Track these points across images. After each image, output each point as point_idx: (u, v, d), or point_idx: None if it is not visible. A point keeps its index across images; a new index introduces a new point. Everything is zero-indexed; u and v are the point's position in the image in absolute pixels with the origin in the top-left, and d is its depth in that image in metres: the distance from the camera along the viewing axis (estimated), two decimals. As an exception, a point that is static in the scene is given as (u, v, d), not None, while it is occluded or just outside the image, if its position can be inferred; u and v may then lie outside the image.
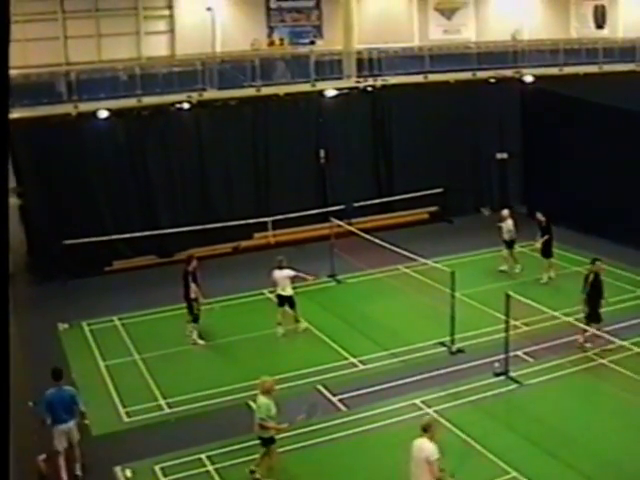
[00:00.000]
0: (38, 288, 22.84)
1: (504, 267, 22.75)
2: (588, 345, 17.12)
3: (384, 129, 28.47)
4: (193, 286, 18.43)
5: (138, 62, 28.15)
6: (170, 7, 30.28)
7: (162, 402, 15.82)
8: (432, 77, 28.76)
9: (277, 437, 12.91)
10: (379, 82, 27.94)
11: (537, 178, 28.27)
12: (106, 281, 23.24)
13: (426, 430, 10.56)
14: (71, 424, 13.08)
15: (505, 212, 22.90)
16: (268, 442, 12.68)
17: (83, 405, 13.49)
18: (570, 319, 17.18)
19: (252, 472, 12.84)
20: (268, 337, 18.91)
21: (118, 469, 13.34)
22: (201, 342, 18.54)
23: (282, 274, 18.72)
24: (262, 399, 12.39)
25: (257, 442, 13.16)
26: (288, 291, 18.77)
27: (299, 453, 13.60)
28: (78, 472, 13.29)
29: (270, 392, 12.48)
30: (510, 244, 22.66)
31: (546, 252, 21.95)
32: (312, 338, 18.80)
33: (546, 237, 21.79)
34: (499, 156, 29.61)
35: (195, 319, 18.63)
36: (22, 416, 12.51)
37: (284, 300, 18.87)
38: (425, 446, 10.43)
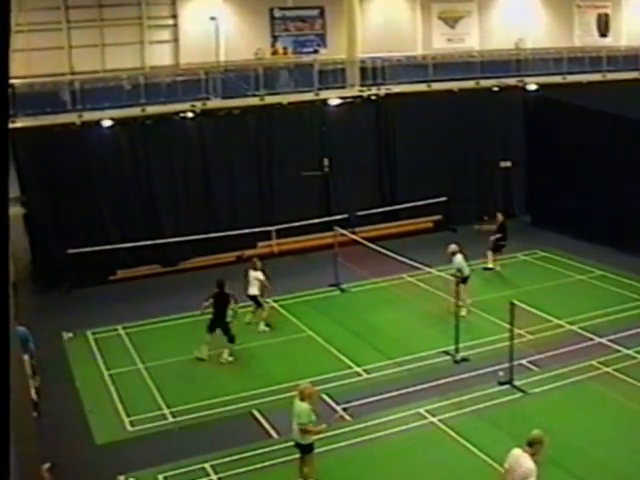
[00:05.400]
0: (42, 297, 22.85)
1: (490, 264, 23.64)
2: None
3: (388, 138, 28.46)
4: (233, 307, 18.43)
5: (142, 71, 28.26)
6: (174, 16, 30.41)
7: (166, 411, 15.77)
8: (436, 86, 28.79)
9: (282, 446, 12.88)
10: (383, 91, 27.95)
11: (541, 186, 28.26)
12: (110, 290, 23.22)
13: (531, 445, 9.94)
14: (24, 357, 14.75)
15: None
16: (307, 449, 12.57)
17: (33, 345, 15.62)
18: (575, 327, 17.17)
19: None
20: (272, 346, 18.92)
21: (122, 478, 13.27)
22: (230, 358, 18.14)
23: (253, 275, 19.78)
24: (303, 405, 12.25)
25: (262, 451, 13.16)
26: (253, 291, 19.77)
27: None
28: (34, 397, 14.74)
29: (311, 398, 12.42)
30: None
31: (496, 248, 23.60)
32: (316, 347, 18.76)
33: (498, 235, 23.52)
34: (503, 164, 29.59)
35: (232, 339, 18.12)
36: (25, 425, 12.49)
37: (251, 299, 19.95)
38: (525, 462, 9.88)
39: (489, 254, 23.59)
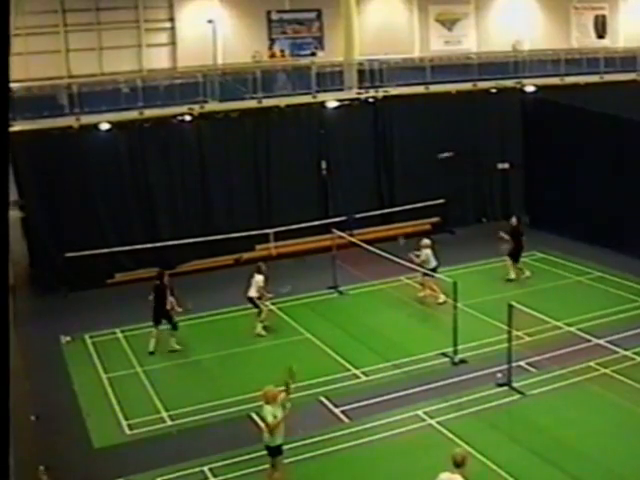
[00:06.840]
0: (40, 300, 22.82)
1: (512, 276, 22.69)
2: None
3: (385, 140, 28.45)
4: (171, 298, 18.88)
5: (140, 74, 28.25)
6: (171, 19, 30.44)
7: (164, 414, 15.76)
8: (433, 88, 28.77)
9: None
10: (380, 93, 27.94)
11: (539, 188, 28.25)
12: (108, 293, 23.20)
13: (459, 465, 9.75)
14: None
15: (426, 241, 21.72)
16: (275, 452, 12.51)
17: None
18: (573, 329, 17.16)
19: None
20: (270, 349, 18.91)
21: (120, 482, 13.29)
22: (177, 347, 18.86)
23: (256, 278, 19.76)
24: (267, 407, 12.25)
25: (260, 454, 13.12)
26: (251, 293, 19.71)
27: (301, 465, 13.51)
28: None
29: (275, 399, 12.37)
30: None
31: (514, 256, 22.73)
32: (314, 349, 18.75)
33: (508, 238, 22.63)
34: (500, 166, 29.59)
35: (175, 326, 18.90)
36: (23, 428, 12.50)
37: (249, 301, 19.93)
38: None
39: (508, 263, 22.76)
